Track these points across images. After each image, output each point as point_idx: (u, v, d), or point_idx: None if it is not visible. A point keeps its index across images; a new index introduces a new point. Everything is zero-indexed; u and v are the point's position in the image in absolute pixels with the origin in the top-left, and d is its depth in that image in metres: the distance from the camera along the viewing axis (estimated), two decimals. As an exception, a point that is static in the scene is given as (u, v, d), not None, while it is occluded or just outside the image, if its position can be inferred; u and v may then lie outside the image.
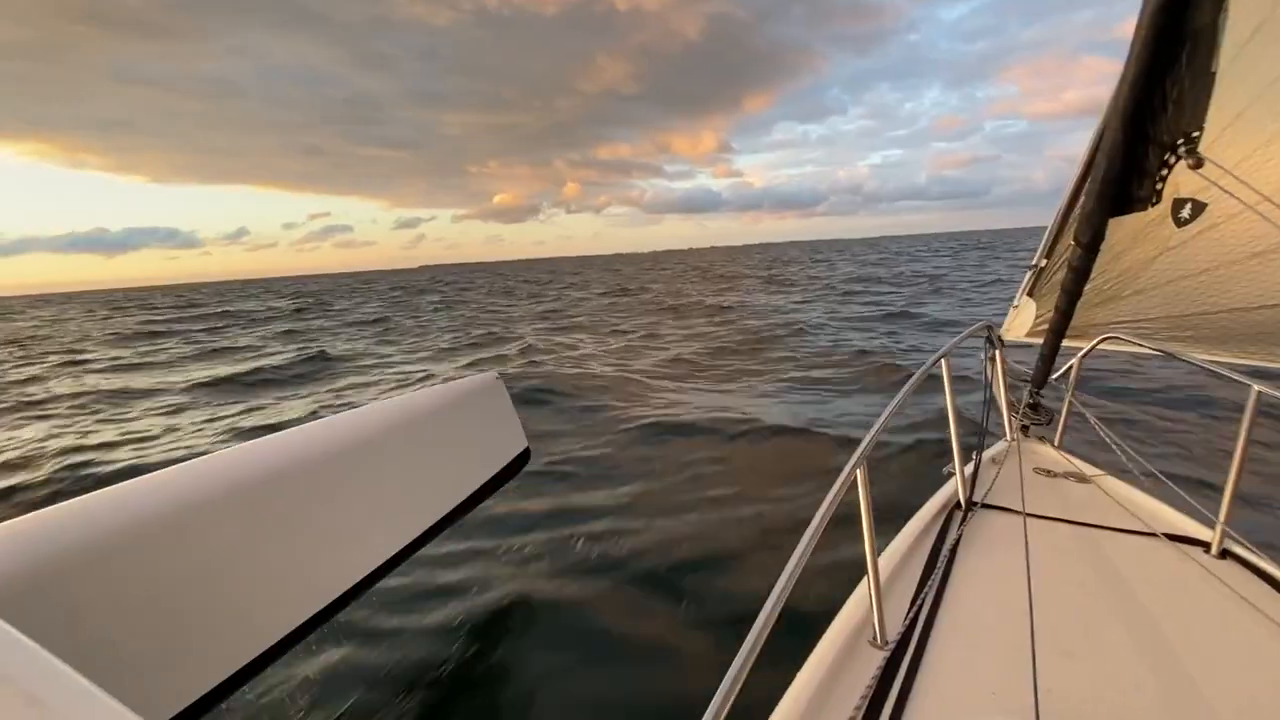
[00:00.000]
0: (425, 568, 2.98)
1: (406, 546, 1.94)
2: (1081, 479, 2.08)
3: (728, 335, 11.09)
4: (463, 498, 2.26)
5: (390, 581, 2.09)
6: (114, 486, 1.47)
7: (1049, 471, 2.15)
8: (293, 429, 1.91)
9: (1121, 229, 2.08)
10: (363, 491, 1.87)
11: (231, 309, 29.66)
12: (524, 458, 2.64)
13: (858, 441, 1.26)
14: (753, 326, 11.93)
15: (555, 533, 3.32)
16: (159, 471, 1.56)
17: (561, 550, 3.13)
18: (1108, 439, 2.06)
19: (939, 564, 1.53)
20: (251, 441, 1.77)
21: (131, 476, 1.55)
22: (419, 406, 2.23)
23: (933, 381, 1.86)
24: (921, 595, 1.40)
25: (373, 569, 1.82)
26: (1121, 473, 2.07)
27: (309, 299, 35.96)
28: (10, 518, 1.29)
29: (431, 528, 2.06)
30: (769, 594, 0.86)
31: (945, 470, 2.01)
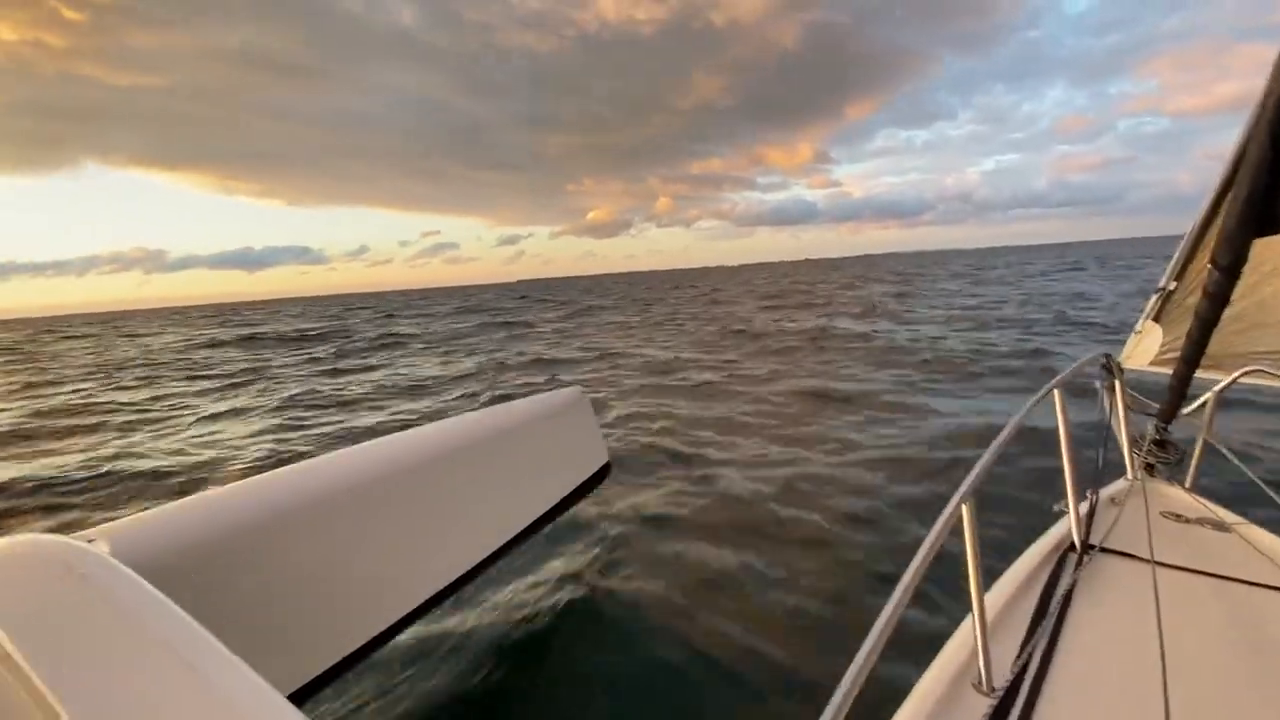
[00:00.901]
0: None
1: (494, 553, 2.06)
2: (1219, 526, 1.85)
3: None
4: (547, 508, 2.36)
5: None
6: (256, 477, 1.69)
7: (1179, 516, 1.93)
8: (400, 434, 2.10)
9: (1269, 250, 1.86)
10: (457, 497, 2.02)
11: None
12: (605, 471, 2.71)
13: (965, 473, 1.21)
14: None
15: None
16: (287, 467, 1.76)
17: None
18: (1255, 481, 1.82)
19: (1051, 609, 1.42)
20: (371, 442, 1.97)
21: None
22: (508, 418, 2.37)
23: (1044, 411, 1.75)
24: (1032, 642, 1.31)
25: (463, 571, 1.94)
26: (1267, 521, 1.83)
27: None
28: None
29: (516, 536, 2.17)
30: (868, 632, 0.83)
31: (1056, 508, 1.86)
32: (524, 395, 2.69)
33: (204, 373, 13.55)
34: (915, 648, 1.38)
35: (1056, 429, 1.70)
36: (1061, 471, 1.72)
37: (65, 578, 0.93)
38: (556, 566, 3.18)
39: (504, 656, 2.48)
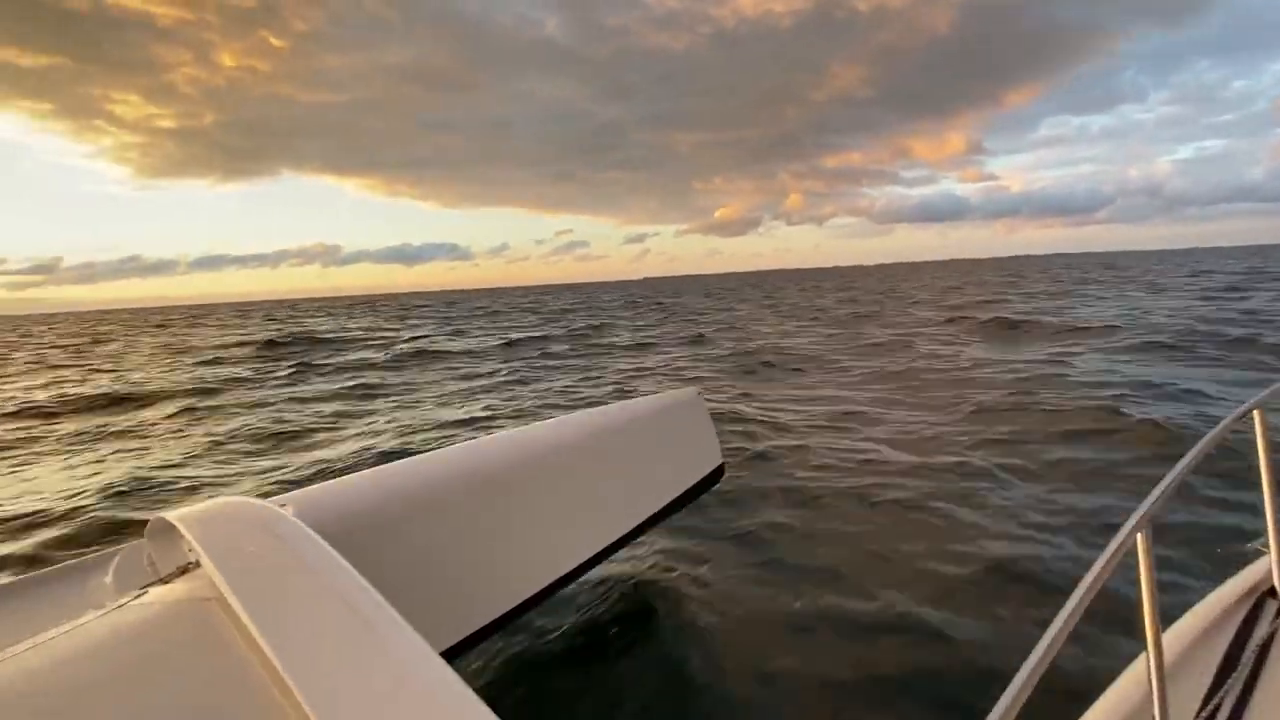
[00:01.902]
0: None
1: (607, 546, 2.16)
2: None
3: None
4: (659, 506, 2.43)
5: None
6: (415, 457, 1.92)
7: None
8: (534, 425, 2.30)
9: None
10: (576, 490, 2.14)
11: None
12: (718, 474, 2.72)
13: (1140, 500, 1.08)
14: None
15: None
16: (443, 450, 1.98)
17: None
18: None
19: (1244, 659, 1.24)
20: (508, 431, 2.17)
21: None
22: (626, 416, 2.46)
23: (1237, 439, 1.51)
24: (1220, 693, 1.16)
25: (580, 563, 2.06)
26: None
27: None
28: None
29: (629, 532, 2.26)
30: (1021, 664, 0.76)
31: (1251, 547, 1.61)
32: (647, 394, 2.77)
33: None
34: (1073, 690, 1.25)
35: (1256, 454, 1.46)
36: (1261, 505, 1.47)
37: (264, 535, 1.11)
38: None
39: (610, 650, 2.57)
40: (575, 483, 2.13)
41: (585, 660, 2.47)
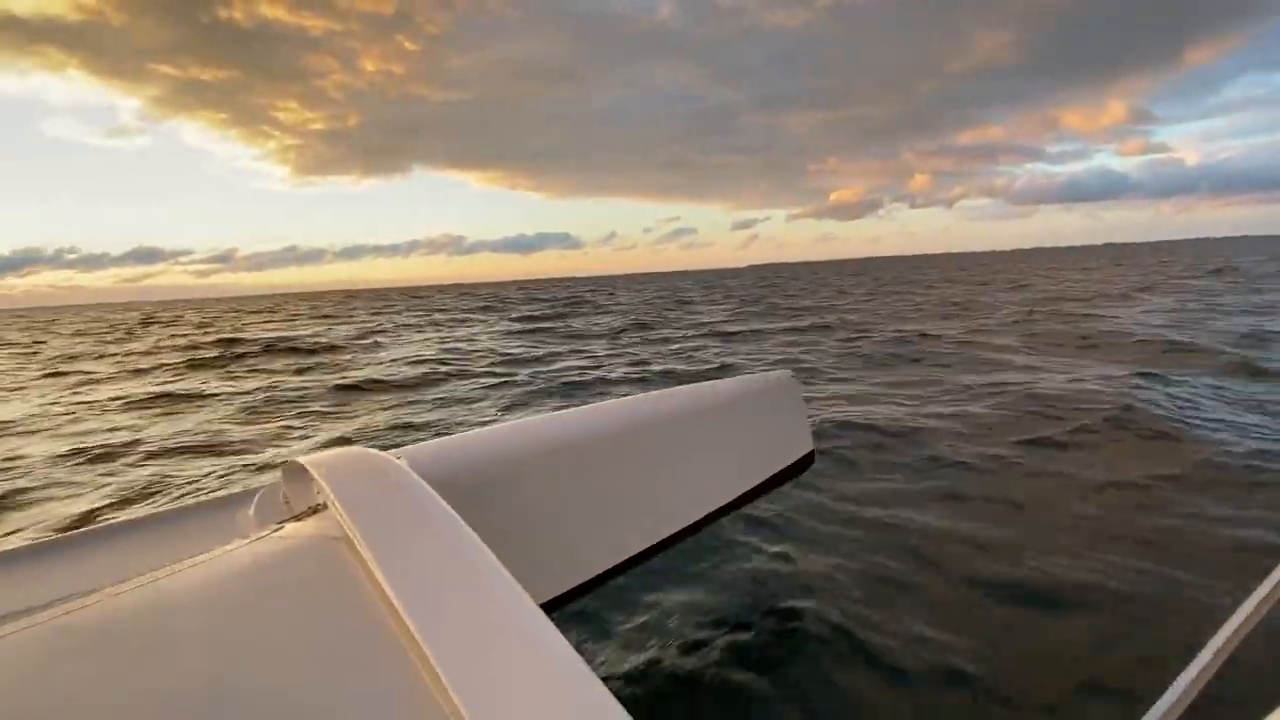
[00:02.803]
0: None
1: (690, 525, 2.18)
2: None
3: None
4: (745, 489, 2.40)
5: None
6: (523, 419, 2.04)
7: None
8: (626, 398, 2.38)
9: None
10: (662, 465, 2.17)
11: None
12: (808, 460, 2.66)
13: None
14: None
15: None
16: (551, 413, 2.11)
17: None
18: None
19: None
20: (604, 402, 2.25)
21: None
22: (718, 394, 2.46)
23: None
24: None
25: (663, 538, 2.09)
26: None
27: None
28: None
29: (714, 512, 2.26)
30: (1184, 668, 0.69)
31: None
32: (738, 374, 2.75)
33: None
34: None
35: None
36: None
37: (384, 483, 1.21)
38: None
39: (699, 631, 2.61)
40: (663, 457, 2.16)
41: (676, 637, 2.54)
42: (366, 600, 0.93)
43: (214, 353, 15.07)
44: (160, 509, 1.57)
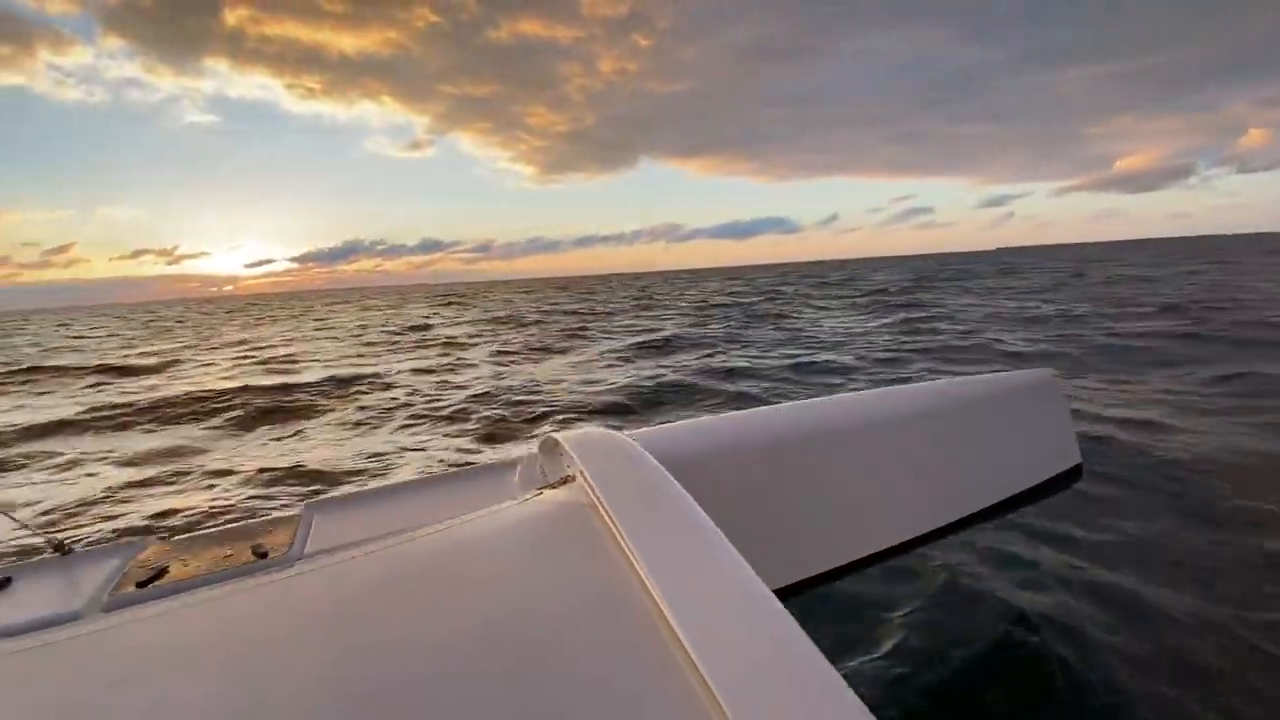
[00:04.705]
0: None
1: (933, 530, 1.96)
2: None
3: None
4: (997, 499, 2.10)
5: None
6: (747, 410, 2.06)
7: None
8: (867, 392, 2.24)
9: None
10: (909, 462, 2.00)
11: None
12: (1075, 473, 2.27)
13: None
14: None
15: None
16: (784, 404, 2.10)
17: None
18: None
19: None
20: (844, 394, 2.17)
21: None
22: (969, 391, 2.19)
23: None
24: None
25: (901, 540, 1.92)
26: None
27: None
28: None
29: (959, 520, 2.01)
30: None
31: None
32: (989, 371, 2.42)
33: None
34: None
35: None
36: None
37: (626, 460, 1.33)
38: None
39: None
40: (906, 456, 2.00)
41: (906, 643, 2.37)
42: (613, 560, 1.04)
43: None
44: (449, 470, 1.92)
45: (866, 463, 1.95)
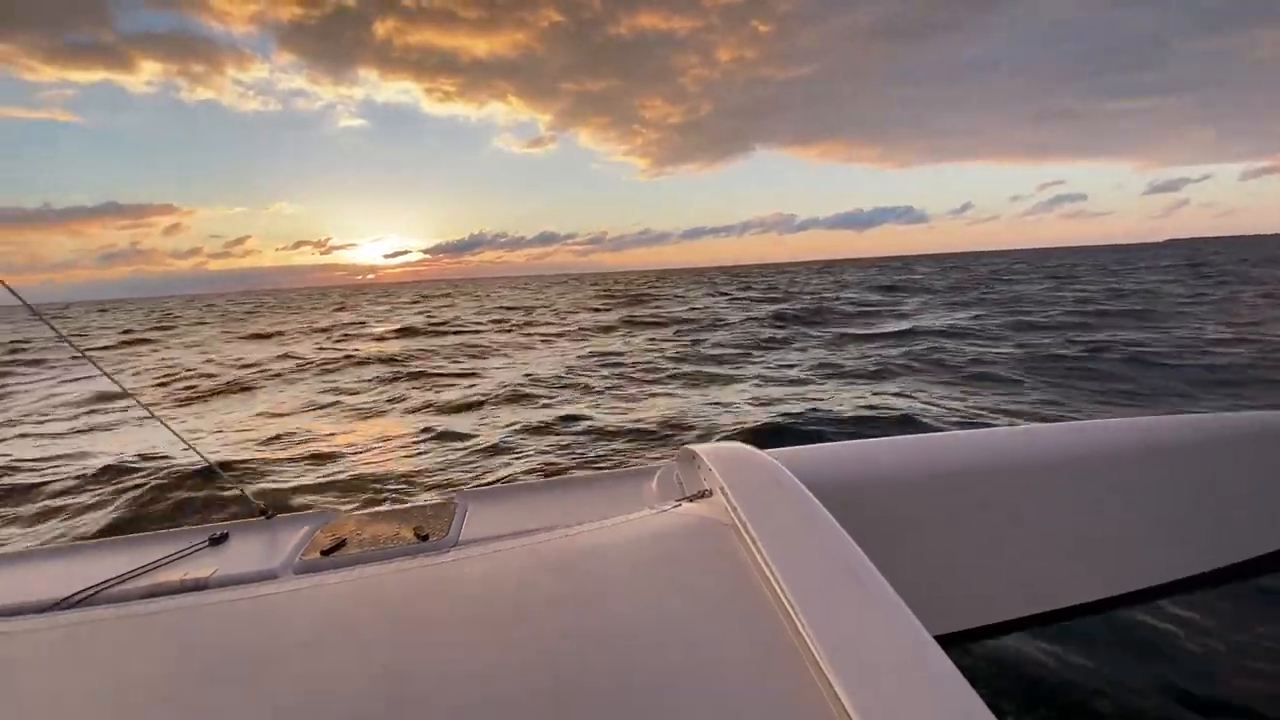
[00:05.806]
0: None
1: (1136, 591, 1.66)
2: None
3: None
4: (1214, 565, 1.73)
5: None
6: (907, 436, 1.88)
7: None
8: (1057, 424, 1.99)
9: None
10: (1102, 512, 1.72)
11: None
12: None
13: None
14: None
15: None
16: (961, 432, 1.91)
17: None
18: None
19: None
20: (1031, 425, 1.92)
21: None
22: (1187, 434, 1.84)
23: None
24: None
25: (1095, 599, 1.65)
26: None
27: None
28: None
29: (1173, 582, 1.68)
30: None
31: None
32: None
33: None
34: None
35: None
36: None
37: (768, 480, 1.27)
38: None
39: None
40: (1099, 503, 1.71)
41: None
42: (754, 585, 0.98)
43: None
44: (590, 474, 1.94)
45: (1054, 507, 1.69)
